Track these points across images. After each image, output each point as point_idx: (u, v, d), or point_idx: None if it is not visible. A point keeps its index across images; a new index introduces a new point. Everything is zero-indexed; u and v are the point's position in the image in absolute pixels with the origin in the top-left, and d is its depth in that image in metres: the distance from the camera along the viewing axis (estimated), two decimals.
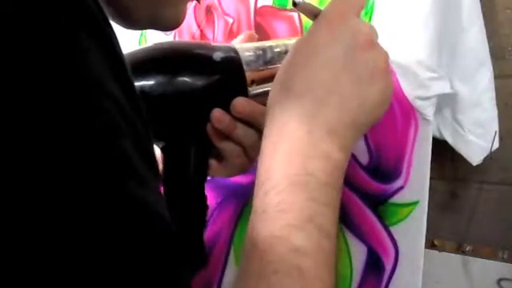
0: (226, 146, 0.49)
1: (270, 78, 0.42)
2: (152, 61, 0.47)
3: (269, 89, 0.41)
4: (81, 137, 0.23)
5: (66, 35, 0.23)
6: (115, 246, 0.23)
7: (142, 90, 0.44)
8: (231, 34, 0.68)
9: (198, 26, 0.71)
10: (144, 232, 0.25)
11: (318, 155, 0.36)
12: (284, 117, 0.38)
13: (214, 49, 0.48)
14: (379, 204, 0.56)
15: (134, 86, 0.29)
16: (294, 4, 0.41)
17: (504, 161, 0.62)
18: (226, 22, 0.68)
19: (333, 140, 0.37)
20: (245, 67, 0.48)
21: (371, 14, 0.55)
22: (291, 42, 0.48)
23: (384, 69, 0.39)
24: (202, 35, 0.71)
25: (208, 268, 0.67)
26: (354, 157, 0.57)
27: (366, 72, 0.38)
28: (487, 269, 0.62)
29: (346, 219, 0.58)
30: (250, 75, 0.48)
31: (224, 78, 0.47)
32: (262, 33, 0.64)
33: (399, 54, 0.54)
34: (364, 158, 0.56)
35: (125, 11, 0.39)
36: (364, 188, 0.56)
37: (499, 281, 0.61)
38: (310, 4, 0.42)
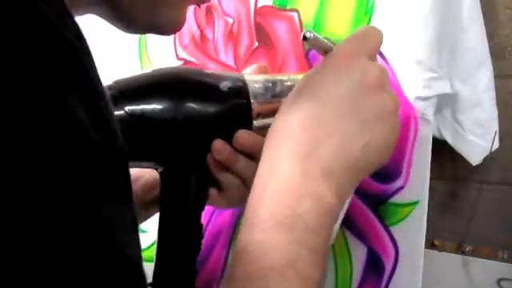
0: (226, 178, 0.48)
1: (276, 112, 0.41)
2: (157, 86, 0.46)
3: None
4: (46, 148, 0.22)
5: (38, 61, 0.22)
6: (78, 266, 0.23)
7: (146, 114, 0.44)
8: (231, 34, 0.68)
9: (198, 26, 0.71)
10: (111, 274, 0.24)
11: (310, 196, 0.34)
12: (279, 152, 0.37)
13: (222, 78, 0.47)
14: (379, 204, 0.56)
15: (108, 110, 0.28)
16: (305, 38, 0.40)
17: (504, 161, 0.62)
18: (226, 22, 0.68)
19: (327, 182, 0.35)
20: (252, 99, 0.47)
21: (371, 14, 0.55)
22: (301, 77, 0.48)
23: (392, 112, 0.38)
24: (202, 35, 0.71)
25: (207, 269, 0.67)
26: None
27: (372, 114, 0.37)
28: (487, 269, 0.62)
29: (346, 219, 0.58)
30: (256, 107, 0.47)
31: (230, 108, 0.46)
32: (262, 33, 0.65)
33: (399, 54, 0.54)
34: None
35: (123, 15, 0.39)
36: (364, 188, 0.56)
37: (499, 281, 0.61)
38: (321, 39, 0.41)
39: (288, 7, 0.62)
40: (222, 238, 0.67)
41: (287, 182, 0.35)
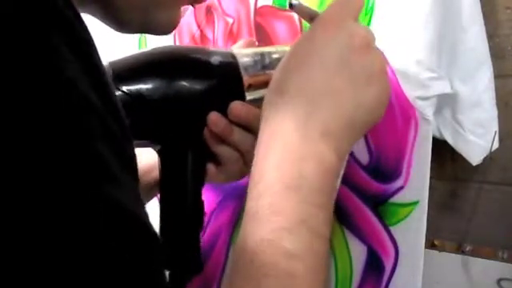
0: (223, 151, 0.48)
1: (267, 84, 0.42)
2: (151, 65, 0.47)
3: (265, 93, 0.41)
4: (54, 139, 0.23)
5: (40, 39, 0.23)
6: (91, 248, 0.23)
7: (140, 93, 0.44)
8: (231, 34, 0.68)
9: (198, 26, 0.71)
10: (120, 233, 0.24)
11: (311, 158, 0.36)
12: (277, 119, 0.38)
13: (212, 53, 0.48)
14: (379, 204, 0.56)
15: (110, 89, 0.28)
16: (291, 6, 0.41)
17: (504, 161, 0.62)
18: (226, 22, 0.68)
19: (327, 142, 0.36)
20: (242, 72, 0.48)
21: (371, 14, 0.55)
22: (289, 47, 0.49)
23: (380, 71, 0.39)
24: (202, 35, 0.71)
25: (208, 268, 0.67)
26: (353, 157, 0.57)
27: (362, 74, 0.38)
28: (487, 269, 0.62)
29: (346, 219, 0.58)
30: (247, 80, 0.48)
31: (221, 82, 0.47)
32: (262, 33, 0.65)
33: (399, 54, 0.54)
34: (364, 158, 0.56)
35: (117, 15, 0.39)
36: (364, 188, 0.56)
37: (499, 281, 0.61)
38: (306, 6, 0.42)
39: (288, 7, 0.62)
40: (222, 238, 0.67)
41: (288, 146, 0.36)
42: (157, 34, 0.43)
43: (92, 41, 0.27)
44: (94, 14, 0.40)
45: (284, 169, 0.35)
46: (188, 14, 0.71)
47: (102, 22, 0.40)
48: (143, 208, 0.28)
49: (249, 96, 0.48)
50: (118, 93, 0.44)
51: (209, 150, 0.48)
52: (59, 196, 0.22)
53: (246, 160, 0.48)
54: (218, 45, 0.69)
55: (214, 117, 0.47)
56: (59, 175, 0.22)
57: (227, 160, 0.49)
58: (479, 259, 0.63)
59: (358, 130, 0.39)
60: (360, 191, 0.57)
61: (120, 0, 0.38)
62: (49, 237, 0.22)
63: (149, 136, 0.48)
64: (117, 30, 0.41)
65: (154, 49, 0.49)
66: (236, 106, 0.47)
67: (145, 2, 0.39)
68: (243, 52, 0.50)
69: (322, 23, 0.40)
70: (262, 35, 0.64)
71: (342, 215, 0.58)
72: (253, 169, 0.37)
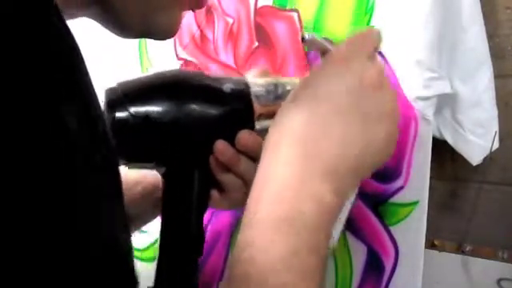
0: (228, 179, 0.48)
1: None
2: (161, 87, 0.46)
3: None
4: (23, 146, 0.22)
5: (22, 48, 0.23)
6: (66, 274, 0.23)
7: (149, 115, 0.44)
8: (231, 34, 0.68)
9: (198, 26, 0.71)
10: (95, 263, 0.24)
11: (310, 197, 0.34)
12: (278, 153, 0.37)
13: (225, 80, 0.48)
14: (379, 204, 0.56)
15: (96, 111, 0.28)
16: (303, 40, 0.40)
17: (504, 161, 0.62)
18: (226, 23, 0.68)
19: (327, 182, 0.35)
20: (254, 100, 0.47)
21: (371, 14, 0.55)
22: None
23: (391, 110, 0.38)
24: (202, 35, 0.71)
25: (207, 270, 0.67)
26: None
27: (372, 114, 0.37)
28: (487, 269, 0.62)
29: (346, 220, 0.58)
30: (258, 109, 0.47)
31: (232, 109, 0.47)
32: (262, 33, 0.65)
33: (399, 54, 0.54)
34: None
35: (117, 20, 0.39)
36: (364, 188, 0.56)
37: (499, 281, 0.61)
38: (318, 41, 0.41)
39: (288, 7, 0.62)
40: (222, 238, 0.67)
41: (286, 182, 0.35)
42: (157, 39, 0.43)
43: (80, 54, 0.27)
44: (94, 18, 0.39)
45: (278, 205, 0.34)
46: (188, 14, 0.71)
47: (103, 25, 0.40)
48: (125, 234, 0.27)
49: (258, 125, 0.48)
50: (125, 114, 0.44)
51: (214, 177, 0.48)
52: (35, 215, 0.22)
53: (249, 188, 0.48)
54: (217, 45, 0.69)
55: (221, 146, 0.46)
56: (36, 194, 0.22)
57: (231, 188, 0.48)
58: (479, 259, 0.63)
59: (365, 170, 0.38)
60: (360, 191, 0.57)
61: (120, 4, 0.37)
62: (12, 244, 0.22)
63: (154, 158, 0.48)
64: (117, 34, 0.41)
65: (164, 71, 0.48)
66: (244, 136, 0.46)
67: (145, 6, 0.39)
68: (257, 81, 0.49)
69: (331, 59, 0.39)
70: (262, 35, 0.64)
71: None
72: (248, 200, 0.36)
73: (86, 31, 0.44)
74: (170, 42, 0.73)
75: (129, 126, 0.44)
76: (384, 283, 0.56)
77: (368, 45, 0.40)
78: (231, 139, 0.47)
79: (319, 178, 0.35)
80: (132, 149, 0.45)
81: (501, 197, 0.63)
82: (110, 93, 0.45)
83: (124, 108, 0.44)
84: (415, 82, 0.53)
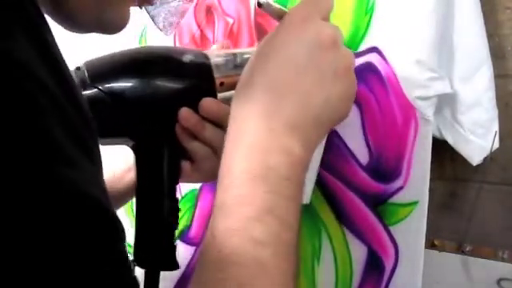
0: (196, 147, 0.49)
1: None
2: (126, 64, 0.48)
3: None
4: (3, 120, 0.23)
5: None
6: (43, 228, 0.23)
7: (115, 91, 0.46)
8: (231, 34, 0.68)
9: (198, 26, 0.71)
10: (72, 214, 0.25)
11: (279, 150, 0.36)
12: (245, 114, 0.39)
13: (185, 52, 0.50)
14: (379, 204, 0.56)
15: (69, 75, 0.29)
16: (259, 5, 0.42)
17: (504, 161, 0.62)
18: (227, 23, 0.68)
19: (294, 136, 0.37)
20: (214, 70, 0.49)
21: (371, 13, 0.55)
22: None
23: (347, 68, 0.40)
24: (202, 35, 0.71)
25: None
26: (353, 157, 0.57)
27: (329, 70, 0.39)
28: (487, 269, 0.62)
29: (346, 219, 0.58)
30: (218, 78, 0.49)
31: (194, 80, 0.49)
32: (262, 33, 0.65)
33: (399, 54, 0.54)
34: (364, 158, 0.56)
35: (68, 15, 0.39)
36: (364, 188, 0.56)
37: (499, 281, 0.61)
38: (274, 5, 0.43)
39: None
40: None
41: (255, 138, 0.37)
42: (108, 33, 0.44)
43: (51, 34, 0.28)
44: (47, 14, 0.40)
45: (251, 161, 0.36)
46: (188, 14, 0.71)
47: (55, 21, 0.41)
48: (103, 192, 0.28)
49: (220, 95, 0.49)
50: (93, 90, 0.46)
51: (182, 146, 0.50)
52: (9, 174, 0.23)
53: (218, 157, 0.49)
54: None
55: (184, 112, 0.48)
56: (9, 155, 0.23)
57: (200, 157, 0.50)
58: (479, 259, 0.63)
59: (325, 125, 0.40)
60: (360, 191, 0.57)
61: (72, 2, 0.38)
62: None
63: (122, 133, 0.49)
64: (68, 29, 0.41)
65: (128, 49, 0.50)
66: (206, 102, 0.48)
67: (96, 2, 0.40)
68: (216, 52, 0.51)
69: (288, 21, 0.41)
70: (263, 35, 0.64)
71: (341, 215, 0.58)
72: (221, 163, 0.38)
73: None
74: (169, 41, 0.73)
75: (96, 102, 0.45)
76: (384, 283, 0.56)
77: (322, 6, 0.42)
78: (195, 109, 0.48)
79: (287, 133, 0.37)
80: (100, 125, 0.47)
81: (501, 197, 0.63)
82: (78, 72, 0.47)
83: (91, 86, 0.46)
84: (415, 82, 0.53)
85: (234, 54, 0.51)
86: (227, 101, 0.48)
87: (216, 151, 0.49)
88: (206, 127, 0.48)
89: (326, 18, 0.42)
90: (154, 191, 0.49)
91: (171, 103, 0.48)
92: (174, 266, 0.50)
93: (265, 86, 0.39)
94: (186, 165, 0.51)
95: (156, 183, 0.49)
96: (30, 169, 0.23)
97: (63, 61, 0.29)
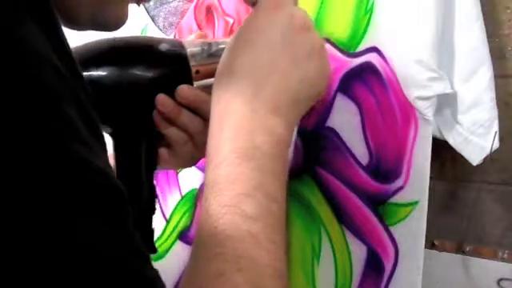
0: (172, 133, 0.50)
1: (215, 73, 0.44)
2: (102, 53, 0.49)
3: (214, 81, 0.43)
4: (22, 102, 0.24)
5: (4, 14, 0.24)
6: (60, 203, 0.24)
7: (91, 79, 0.47)
8: (231, 33, 0.68)
9: (198, 26, 0.71)
10: (90, 190, 0.26)
11: (263, 130, 0.38)
12: (228, 97, 0.40)
13: (162, 41, 0.51)
14: (379, 204, 0.56)
15: (76, 63, 0.30)
16: None
17: (504, 161, 0.62)
18: (227, 22, 0.68)
19: (276, 116, 0.39)
20: (190, 59, 0.50)
21: (371, 13, 0.55)
22: None
23: (320, 47, 0.42)
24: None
25: None
26: (353, 157, 0.57)
27: (303, 51, 0.41)
28: (487, 269, 0.62)
29: (346, 219, 0.58)
30: (194, 66, 0.50)
31: (170, 68, 0.50)
32: None
33: (399, 54, 0.54)
34: (364, 158, 0.56)
35: (67, 12, 0.40)
36: (364, 188, 0.56)
37: (499, 281, 0.61)
38: None
39: None
40: None
41: (240, 120, 0.39)
42: (106, 30, 0.45)
43: (57, 21, 0.29)
44: None
45: (237, 141, 0.38)
46: (188, 14, 0.71)
47: None
48: (112, 171, 0.29)
49: (196, 82, 0.50)
50: None
51: (159, 133, 0.50)
52: (28, 154, 0.23)
53: (195, 143, 0.51)
54: None
55: (161, 98, 0.49)
56: (28, 135, 0.24)
57: (177, 142, 0.51)
58: (479, 259, 0.63)
59: (303, 103, 0.42)
60: (360, 191, 0.57)
61: (71, 0, 0.39)
62: (17, 193, 0.23)
63: (101, 120, 0.50)
64: (66, 26, 0.42)
65: (105, 38, 0.50)
66: (183, 88, 0.49)
67: (95, 1, 0.41)
68: (191, 41, 0.53)
69: (263, 6, 0.42)
70: None
71: (342, 215, 0.58)
72: (208, 145, 0.40)
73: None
74: None
75: None
76: (384, 283, 0.56)
77: None
78: (172, 96, 0.49)
79: (269, 114, 0.39)
80: None
81: (501, 197, 0.63)
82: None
83: None
84: (415, 82, 0.53)
85: (210, 44, 0.52)
86: (203, 88, 0.50)
87: (192, 137, 0.50)
88: (182, 113, 0.49)
89: (296, 4, 0.44)
90: (133, 177, 0.50)
91: (148, 91, 0.49)
92: (152, 250, 0.51)
93: (245, 70, 0.40)
94: (163, 151, 0.52)
95: (134, 169, 0.50)
96: (50, 146, 0.24)
97: (69, 47, 0.30)
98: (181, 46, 0.51)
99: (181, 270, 0.71)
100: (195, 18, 0.71)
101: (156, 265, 0.29)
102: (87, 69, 0.47)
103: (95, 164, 0.27)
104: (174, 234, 0.73)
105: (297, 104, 0.41)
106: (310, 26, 0.42)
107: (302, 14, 0.42)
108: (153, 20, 0.51)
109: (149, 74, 0.49)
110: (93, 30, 0.44)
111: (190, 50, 0.50)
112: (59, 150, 0.25)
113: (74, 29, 0.42)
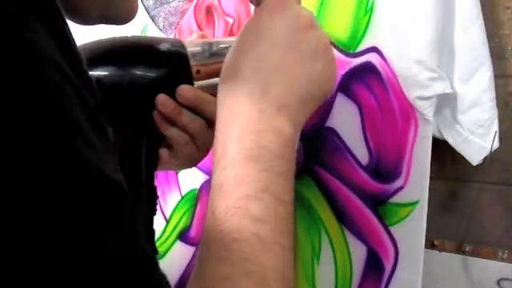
0: (173, 133, 0.50)
1: (216, 73, 0.44)
2: (102, 53, 0.49)
3: (215, 81, 0.43)
4: (30, 104, 0.24)
5: (11, 15, 0.24)
6: (66, 207, 0.24)
7: (95, 78, 0.47)
8: (231, 34, 0.68)
9: (198, 26, 0.71)
10: (97, 195, 0.25)
11: (270, 131, 0.38)
12: (235, 98, 0.40)
13: (162, 41, 0.51)
14: (379, 204, 0.56)
15: (83, 64, 0.30)
16: None
17: (504, 161, 0.62)
18: (226, 22, 0.68)
19: (283, 116, 0.39)
20: (190, 58, 0.50)
21: (371, 13, 0.55)
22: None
23: (325, 47, 0.42)
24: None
25: None
26: (353, 157, 0.57)
27: (309, 50, 0.41)
28: (487, 269, 0.62)
29: (346, 219, 0.58)
30: (195, 66, 0.50)
31: (170, 68, 0.50)
32: None
33: (399, 54, 0.54)
34: (364, 158, 0.56)
35: (77, 7, 0.40)
36: (364, 188, 0.56)
37: (499, 281, 0.61)
38: None
39: None
40: None
41: (247, 121, 0.38)
42: (116, 24, 0.44)
43: (65, 20, 0.29)
44: None
45: (244, 141, 0.37)
46: (188, 14, 0.71)
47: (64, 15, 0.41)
48: (120, 175, 0.29)
49: (197, 82, 0.50)
50: None
51: (160, 133, 0.50)
52: (37, 157, 0.23)
53: (195, 143, 0.50)
54: None
55: (162, 98, 0.49)
56: (37, 138, 0.23)
57: (178, 143, 0.51)
58: (479, 259, 0.63)
59: (310, 103, 0.42)
60: (360, 191, 0.57)
61: None
62: (25, 194, 0.23)
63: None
64: (77, 22, 0.42)
65: (106, 38, 0.50)
66: (183, 88, 0.49)
67: None
68: (192, 41, 0.53)
69: (268, 6, 0.42)
70: None
71: (342, 215, 0.58)
72: (215, 145, 0.39)
73: (87, 29, 0.45)
74: None
75: None
76: (384, 283, 0.56)
77: None
78: (173, 97, 0.49)
79: (276, 114, 0.39)
80: None
81: (501, 197, 0.63)
82: None
83: None
84: (415, 82, 0.53)
85: (210, 43, 0.52)
86: (203, 88, 0.50)
87: (193, 137, 0.50)
88: (183, 113, 0.49)
89: (300, 3, 0.44)
90: (133, 178, 0.50)
91: (149, 91, 0.49)
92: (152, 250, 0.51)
93: (251, 70, 0.40)
94: (163, 151, 0.52)
95: (134, 170, 0.50)
96: (57, 147, 0.24)
97: (77, 50, 0.30)
98: (181, 45, 0.51)
99: (181, 270, 0.71)
100: (195, 18, 0.71)
101: None
102: (89, 68, 0.47)
103: (101, 168, 0.26)
104: (174, 234, 0.73)
105: (304, 104, 0.41)
106: (315, 24, 0.42)
107: (307, 13, 0.42)
108: (153, 20, 0.51)
109: (149, 73, 0.49)
110: (102, 23, 0.43)
111: (190, 49, 0.50)
112: (67, 155, 0.25)
113: (83, 23, 0.42)
